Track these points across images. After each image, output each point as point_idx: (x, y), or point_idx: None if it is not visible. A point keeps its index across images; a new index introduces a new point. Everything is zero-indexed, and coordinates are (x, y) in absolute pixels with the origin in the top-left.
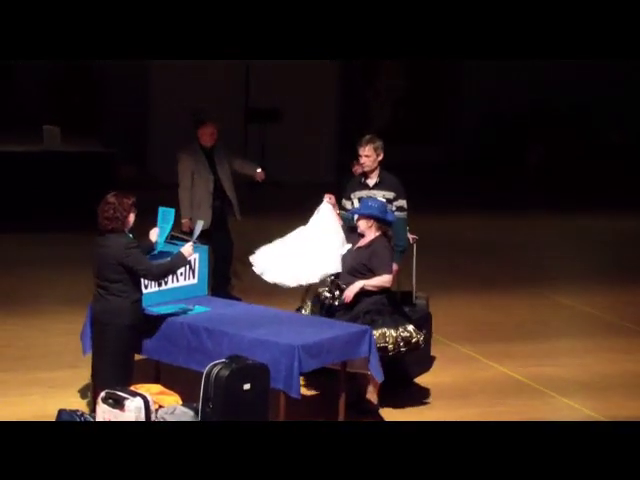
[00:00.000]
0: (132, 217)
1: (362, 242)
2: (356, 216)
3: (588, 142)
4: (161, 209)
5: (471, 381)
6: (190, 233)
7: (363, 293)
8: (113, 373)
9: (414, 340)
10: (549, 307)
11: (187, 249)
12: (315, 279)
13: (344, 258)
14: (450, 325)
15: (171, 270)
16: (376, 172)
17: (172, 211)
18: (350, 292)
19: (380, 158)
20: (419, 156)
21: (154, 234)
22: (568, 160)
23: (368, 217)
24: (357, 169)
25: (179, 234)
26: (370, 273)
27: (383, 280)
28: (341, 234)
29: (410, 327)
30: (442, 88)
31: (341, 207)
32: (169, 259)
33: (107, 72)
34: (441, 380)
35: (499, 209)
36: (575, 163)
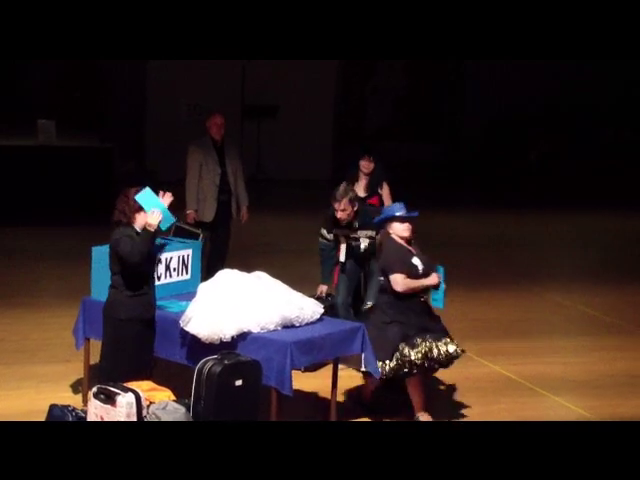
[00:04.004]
0: (141, 217)
1: (412, 246)
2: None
3: (591, 141)
4: (138, 197)
5: (464, 379)
6: (194, 225)
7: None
8: (113, 367)
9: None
10: (544, 305)
11: (151, 219)
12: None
13: (420, 262)
14: (444, 323)
15: (142, 245)
16: (355, 217)
17: (148, 190)
18: None
19: (356, 208)
20: (420, 154)
21: (155, 218)
22: (570, 159)
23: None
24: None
25: (184, 225)
26: None
27: None
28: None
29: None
30: (444, 86)
31: (319, 235)
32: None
33: (106, 68)
34: (433, 377)
35: (499, 207)
36: (576, 162)
